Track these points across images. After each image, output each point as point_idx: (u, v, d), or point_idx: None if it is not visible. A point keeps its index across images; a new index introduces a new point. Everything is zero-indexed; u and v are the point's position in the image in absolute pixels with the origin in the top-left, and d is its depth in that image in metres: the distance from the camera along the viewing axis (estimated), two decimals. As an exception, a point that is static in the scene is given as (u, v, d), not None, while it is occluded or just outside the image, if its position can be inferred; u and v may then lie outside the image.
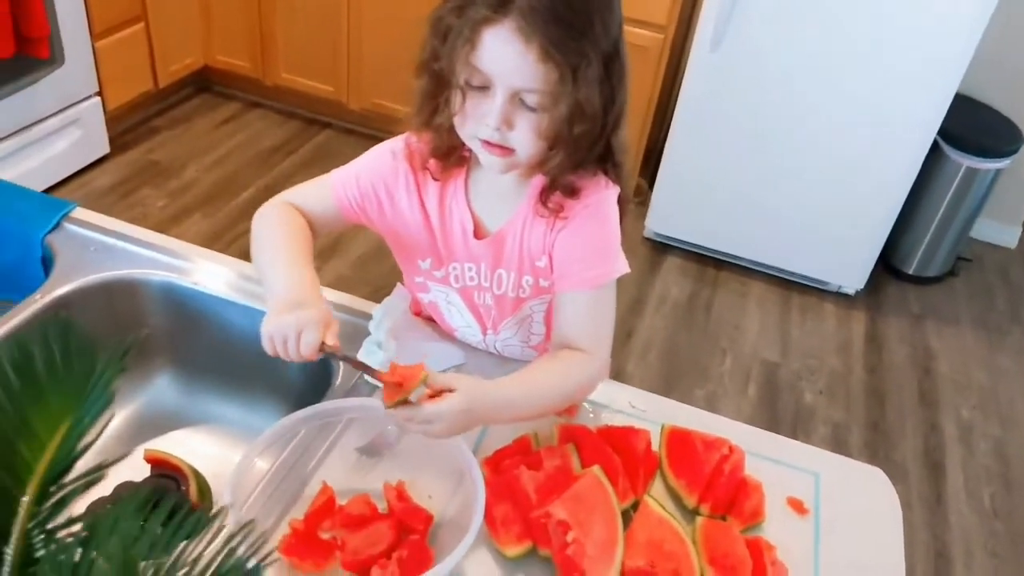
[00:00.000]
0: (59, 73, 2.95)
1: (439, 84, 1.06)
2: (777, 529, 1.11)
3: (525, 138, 1.02)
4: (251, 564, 0.47)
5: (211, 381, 1.38)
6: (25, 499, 0.54)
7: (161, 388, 1.39)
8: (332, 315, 1.03)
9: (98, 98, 3.20)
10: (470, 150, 1.12)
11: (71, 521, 0.55)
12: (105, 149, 3.35)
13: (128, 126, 3.57)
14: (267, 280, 1.11)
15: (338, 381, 1.20)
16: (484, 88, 1.00)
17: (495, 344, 1.31)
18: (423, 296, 1.31)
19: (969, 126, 3.18)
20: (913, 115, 2.85)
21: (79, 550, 0.49)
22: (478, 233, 1.18)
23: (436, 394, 0.98)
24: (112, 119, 3.35)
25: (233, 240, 3.05)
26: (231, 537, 0.47)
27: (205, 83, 3.95)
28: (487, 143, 1.04)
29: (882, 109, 2.86)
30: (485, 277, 1.22)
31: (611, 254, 1.14)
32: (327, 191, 1.20)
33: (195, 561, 0.47)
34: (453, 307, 1.28)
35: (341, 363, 1.21)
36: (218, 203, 3.26)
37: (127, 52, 3.29)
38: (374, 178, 1.18)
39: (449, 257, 1.22)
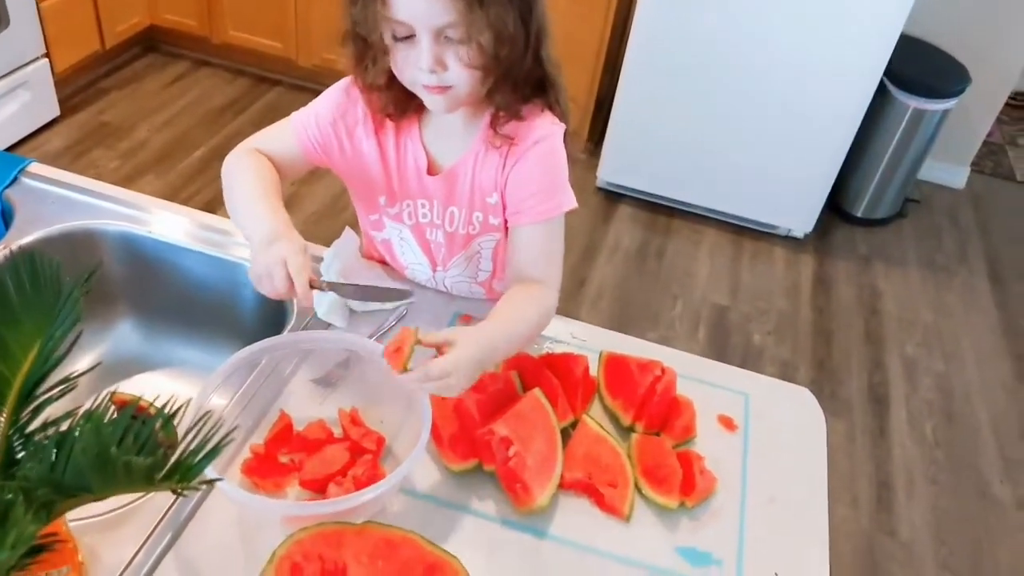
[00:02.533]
0: (5, 35, 2.93)
1: (364, 47, 1.12)
2: (708, 444, 1.18)
3: (458, 73, 1.07)
4: (211, 445, 0.53)
5: (172, 326, 1.43)
6: (4, 409, 0.60)
7: (124, 334, 1.43)
8: (305, 247, 1.07)
9: (46, 60, 3.18)
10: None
11: (47, 425, 0.61)
12: (55, 111, 3.34)
13: (77, 88, 3.55)
14: (243, 225, 1.16)
15: (292, 321, 1.26)
16: (409, 37, 1.06)
17: (444, 281, 1.37)
18: (377, 234, 1.36)
19: (915, 67, 3.23)
20: (859, 56, 2.90)
21: (55, 449, 0.55)
22: (431, 170, 1.24)
23: (439, 352, 1.03)
24: (61, 81, 3.33)
25: (187, 199, 3.06)
26: (193, 424, 0.54)
27: (152, 43, 3.92)
28: (427, 87, 1.10)
29: (828, 51, 2.90)
30: (437, 214, 1.27)
31: (561, 188, 1.21)
32: (290, 135, 1.24)
33: (160, 447, 0.54)
34: (405, 244, 1.34)
35: (296, 302, 1.27)
36: (170, 162, 3.26)
37: (72, 12, 3.26)
38: (334, 118, 1.23)
39: (403, 194, 1.27)
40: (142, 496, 0.99)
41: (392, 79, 1.13)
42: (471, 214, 1.26)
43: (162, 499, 1.00)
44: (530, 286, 1.21)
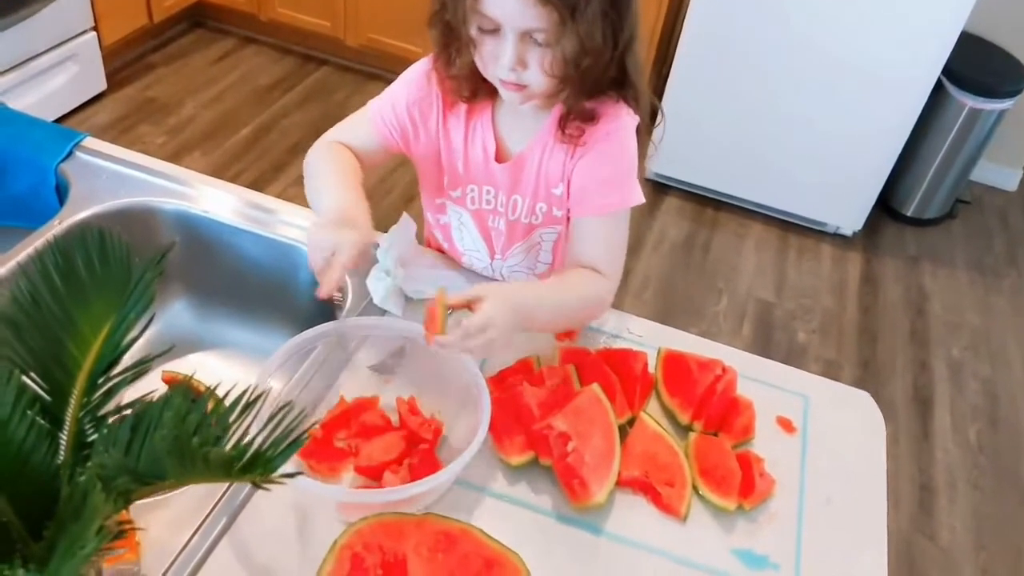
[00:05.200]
0: (54, 7, 2.93)
1: (451, 33, 1.11)
2: (766, 446, 1.16)
3: (537, 75, 1.07)
4: (292, 437, 0.51)
5: (224, 306, 1.42)
6: (75, 391, 0.59)
7: (176, 313, 1.43)
8: (371, 243, 1.08)
9: (94, 33, 3.19)
10: None
11: (119, 409, 0.60)
12: (102, 85, 3.35)
13: (125, 62, 3.56)
14: (316, 205, 1.16)
15: (348, 305, 1.25)
16: (495, 31, 1.05)
17: (502, 269, 1.35)
18: (440, 217, 1.35)
19: (974, 65, 3.14)
20: (917, 54, 2.84)
21: (129, 433, 0.54)
22: (499, 157, 1.23)
23: (471, 310, 1.03)
24: (108, 55, 3.33)
25: (234, 177, 3.06)
26: (273, 415, 0.52)
27: (200, 18, 3.93)
28: (504, 82, 1.09)
29: (886, 47, 2.84)
30: (501, 202, 1.26)
31: (628, 182, 1.19)
32: (367, 125, 1.24)
33: (240, 437, 0.52)
34: (464, 229, 1.33)
35: (348, 291, 1.26)
36: (217, 140, 3.27)
37: (120, -16, 3.27)
38: (409, 103, 1.22)
39: (468, 178, 1.26)
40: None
41: (472, 66, 1.12)
42: (535, 204, 1.24)
43: (216, 481, 0.99)
44: (585, 269, 1.19)
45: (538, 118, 1.19)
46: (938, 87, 3.02)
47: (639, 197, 1.20)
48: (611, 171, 1.18)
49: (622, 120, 1.17)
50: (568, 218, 1.24)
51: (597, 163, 1.17)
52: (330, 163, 1.20)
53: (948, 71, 3.01)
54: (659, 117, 1.25)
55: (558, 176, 1.20)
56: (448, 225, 1.35)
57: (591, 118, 1.15)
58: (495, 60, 1.07)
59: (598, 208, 1.19)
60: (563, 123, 1.16)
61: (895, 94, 2.93)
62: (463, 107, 1.21)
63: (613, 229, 1.21)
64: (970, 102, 3.13)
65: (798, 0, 2.84)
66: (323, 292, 1.04)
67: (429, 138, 1.24)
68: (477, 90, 1.18)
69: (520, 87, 1.09)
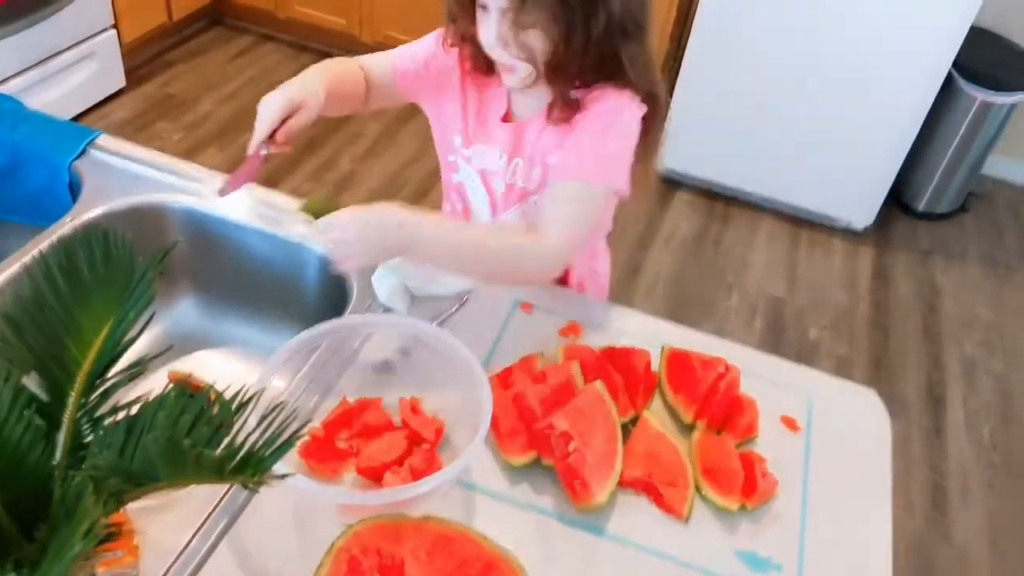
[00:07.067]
0: (75, 6, 2.97)
1: (457, 8, 1.16)
2: (770, 445, 1.16)
3: (516, 56, 1.10)
4: (284, 438, 0.52)
5: (232, 304, 1.44)
6: (73, 392, 0.60)
7: (184, 311, 1.44)
8: (312, 99, 1.15)
9: (114, 31, 3.22)
10: None
11: (116, 410, 0.60)
12: (121, 82, 3.38)
13: (144, 59, 3.59)
14: None
15: (352, 302, 1.25)
16: (485, 7, 1.09)
17: None
18: (454, 176, 1.37)
19: (984, 59, 3.13)
20: (927, 47, 2.82)
21: (125, 435, 0.55)
22: (508, 118, 1.26)
23: None
24: (128, 52, 3.37)
25: (248, 173, 3.08)
26: (265, 415, 0.53)
27: (218, 16, 3.96)
28: (497, 62, 1.14)
29: (896, 41, 2.83)
30: (503, 163, 1.28)
31: (610, 163, 1.17)
32: (389, 60, 1.30)
33: (233, 438, 0.53)
34: (475, 188, 1.35)
35: (355, 284, 1.27)
36: (233, 136, 3.29)
37: (141, -17, 3.29)
38: (428, 55, 1.28)
39: (477, 136, 1.29)
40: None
41: (476, 43, 1.17)
42: (530, 169, 1.26)
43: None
44: (529, 229, 1.19)
45: (548, 89, 1.21)
46: (948, 81, 3.00)
47: (622, 185, 1.18)
48: (592, 143, 1.17)
49: (622, 101, 1.17)
50: None
51: (582, 133, 1.18)
52: (327, 63, 1.26)
53: (958, 65, 2.99)
54: (664, 108, 1.24)
55: (553, 145, 1.22)
56: (462, 184, 1.36)
57: (577, 108, 1.17)
58: (483, 38, 1.12)
59: (567, 172, 1.18)
60: (550, 110, 1.19)
61: (905, 88, 2.92)
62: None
63: (576, 199, 1.17)
64: (981, 96, 3.11)
65: (810, -4, 2.84)
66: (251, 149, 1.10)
67: (442, 91, 1.29)
68: (490, 72, 1.22)
69: (510, 70, 1.13)
